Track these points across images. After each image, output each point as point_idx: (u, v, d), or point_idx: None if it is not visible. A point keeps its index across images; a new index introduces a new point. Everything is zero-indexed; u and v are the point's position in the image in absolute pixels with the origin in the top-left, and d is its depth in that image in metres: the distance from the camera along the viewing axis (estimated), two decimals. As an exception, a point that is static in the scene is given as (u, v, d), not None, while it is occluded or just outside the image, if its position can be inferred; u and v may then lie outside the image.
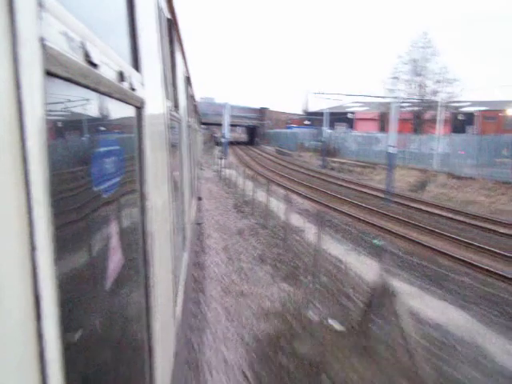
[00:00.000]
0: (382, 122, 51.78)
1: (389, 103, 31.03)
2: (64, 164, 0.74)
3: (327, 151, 37.51)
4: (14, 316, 0.48)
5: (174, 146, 2.90)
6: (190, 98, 7.37)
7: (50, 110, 0.60)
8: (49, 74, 0.58)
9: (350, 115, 60.95)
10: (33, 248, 0.51)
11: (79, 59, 0.69)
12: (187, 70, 5.68)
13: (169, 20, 3.03)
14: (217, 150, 46.67)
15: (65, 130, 0.79)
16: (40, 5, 0.55)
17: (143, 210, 1.37)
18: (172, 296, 2.20)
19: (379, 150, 34.87)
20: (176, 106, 3.40)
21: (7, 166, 0.47)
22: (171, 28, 3.26)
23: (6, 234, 0.47)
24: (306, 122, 67.37)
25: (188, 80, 6.08)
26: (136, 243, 1.35)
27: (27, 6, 0.52)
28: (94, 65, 0.75)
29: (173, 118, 2.86)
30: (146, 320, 1.40)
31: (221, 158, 29.56)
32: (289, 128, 69.71)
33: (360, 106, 63.98)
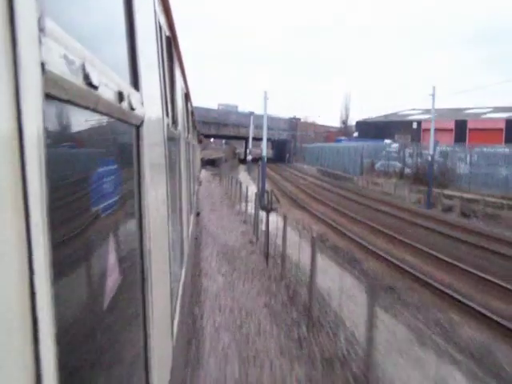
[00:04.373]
0: (459, 132, 39.18)
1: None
2: (64, 186, 0.75)
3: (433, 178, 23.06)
4: (13, 340, 0.48)
5: (172, 163, 2.92)
6: (189, 113, 7.42)
7: (50, 132, 0.60)
8: (49, 96, 0.59)
9: (414, 125, 47.30)
10: (31, 267, 0.51)
11: (79, 81, 0.70)
12: (186, 87, 5.73)
13: (168, 38, 3.08)
14: (242, 171, 32.45)
15: (64, 151, 0.80)
16: (40, 29, 0.56)
17: (142, 228, 1.37)
18: (169, 312, 2.18)
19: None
20: (174, 123, 3.43)
21: (7, 188, 0.48)
22: (171, 45, 3.31)
23: (4, 255, 0.47)
24: (355, 135, 57.12)
25: (187, 96, 6.13)
26: (134, 260, 1.35)
27: (28, 31, 0.53)
28: (94, 86, 0.76)
29: (171, 134, 2.88)
30: (143, 336, 1.39)
31: (266, 210, 12.06)
32: (338, 141, 55.03)
33: (421, 114, 51.26)
